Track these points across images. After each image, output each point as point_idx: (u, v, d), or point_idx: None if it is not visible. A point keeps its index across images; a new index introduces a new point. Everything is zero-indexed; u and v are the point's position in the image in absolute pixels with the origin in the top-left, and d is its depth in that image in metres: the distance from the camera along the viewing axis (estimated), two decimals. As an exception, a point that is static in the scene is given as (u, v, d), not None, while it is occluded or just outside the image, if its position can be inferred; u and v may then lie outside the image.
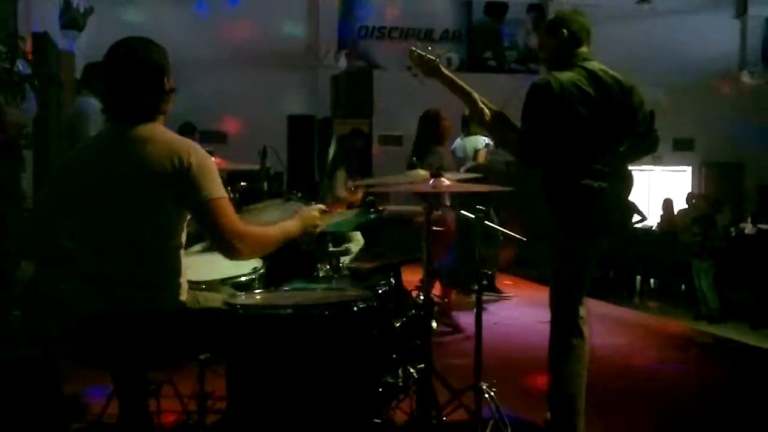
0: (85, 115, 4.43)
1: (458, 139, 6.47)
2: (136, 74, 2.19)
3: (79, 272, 2.22)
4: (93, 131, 4.36)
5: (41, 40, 6.16)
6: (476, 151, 6.23)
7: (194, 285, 2.45)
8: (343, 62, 11.34)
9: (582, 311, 3.05)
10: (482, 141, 6.21)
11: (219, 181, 2.18)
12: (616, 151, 3.01)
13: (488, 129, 3.07)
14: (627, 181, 3.07)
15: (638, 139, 3.09)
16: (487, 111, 3.06)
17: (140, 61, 2.19)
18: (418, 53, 3.00)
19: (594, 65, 2.96)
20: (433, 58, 2.99)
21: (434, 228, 3.33)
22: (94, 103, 4.46)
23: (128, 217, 2.15)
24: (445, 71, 3.03)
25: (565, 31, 2.97)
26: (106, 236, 2.18)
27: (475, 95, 3.06)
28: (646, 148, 3.18)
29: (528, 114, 2.93)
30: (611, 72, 2.99)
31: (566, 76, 2.89)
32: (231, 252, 2.18)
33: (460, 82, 3.06)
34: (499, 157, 6.45)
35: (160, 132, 2.20)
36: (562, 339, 3.04)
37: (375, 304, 2.30)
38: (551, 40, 3.02)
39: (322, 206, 2.57)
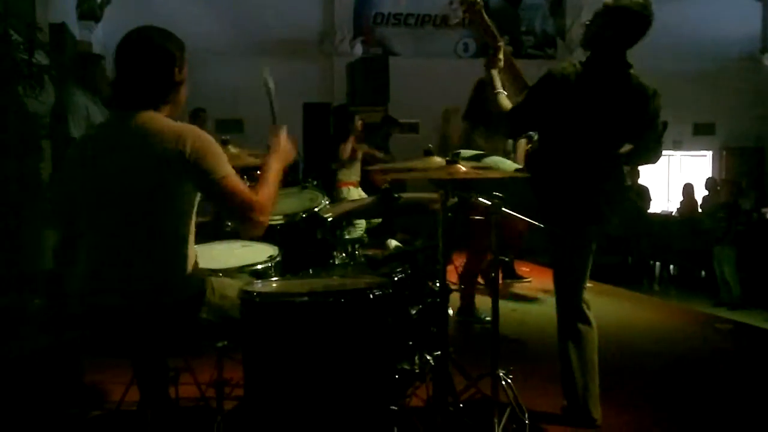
0: (67, 111, 4.45)
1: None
2: (146, 61, 2.18)
3: (91, 265, 2.22)
4: (74, 129, 4.39)
5: (59, 30, 6.19)
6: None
7: (211, 273, 2.46)
8: (358, 49, 11.29)
9: (583, 296, 3.08)
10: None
11: (223, 158, 2.16)
12: (612, 151, 3.01)
13: (490, 76, 3.09)
14: (617, 179, 3.06)
15: (645, 144, 3.08)
16: (501, 63, 3.11)
17: (152, 48, 2.19)
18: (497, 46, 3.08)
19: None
20: (478, 0, 3.08)
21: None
22: (77, 100, 4.49)
23: (135, 207, 2.15)
24: (485, 15, 3.11)
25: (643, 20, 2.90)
26: (115, 228, 2.18)
27: (502, 49, 3.12)
28: (648, 157, 3.17)
29: (533, 94, 2.94)
30: (634, 73, 2.95)
31: (583, 66, 2.87)
32: (252, 225, 2.17)
33: (495, 31, 3.12)
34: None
35: (157, 119, 2.18)
36: (569, 326, 3.06)
37: (391, 291, 2.30)
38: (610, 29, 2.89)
39: (284, 129, 2.57)
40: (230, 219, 2.22)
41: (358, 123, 7.09)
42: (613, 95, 2.90)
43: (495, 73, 3.08)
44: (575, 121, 2.89)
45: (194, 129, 2.18)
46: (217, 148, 2.17)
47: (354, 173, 6.78)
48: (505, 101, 3.03)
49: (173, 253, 2.20)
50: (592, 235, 3.09)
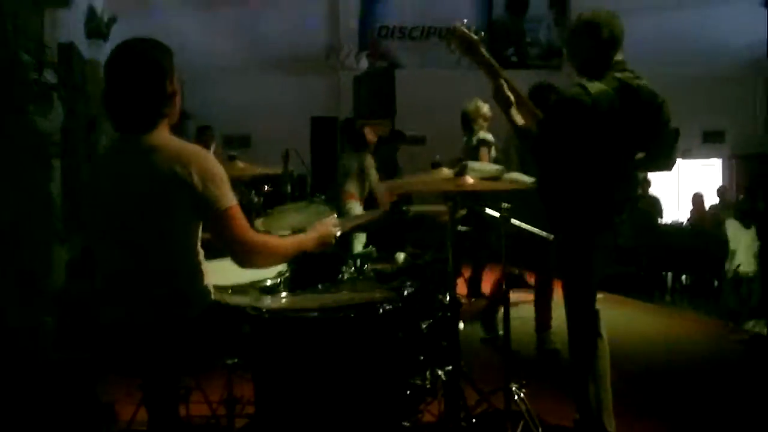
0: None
1: (464, 138, 6.16)
2: (134, 75, 2.12)
3: (102, 284, 2.23)
4: None
5: (67, 49, 6.24)
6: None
7: (221, 289, 2.46)
8: (364, 63, 11.34)
9: (594, 307, 3.04)
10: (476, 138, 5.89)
11: (227, 188, 2.14)
12: (630, 159, 2.99)
13: (508, 115, 3.02)
14: (628, 187, 3.04)
15: (659, 153, 3.06)
16: (512, 99, 2.99)
17: (138, 61, 2.14)
18: (462, 30, 3.00)
19: (627, 75, 2.89)
20: (476, 38, 2.99)
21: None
22: None
23: (144, 228, 2.14)
24: (484, 51, 3.01)
25: (605, 31, 2.87)
26: (124, 248, 2.18)
27: (506, 80, 3.02)
28: (662, 165, 3.15)
29: (550, 123, 2.89)
30: (644, 83, 2.92)
31: (597, 87, 2.81)
32: (244, 261, 2.20)
33: (497, 65, 3.03)
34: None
35: (165, 140, 2.16)
36: (580, 337, 3.02)
37: (400, 305, 2.28)
38: (588, 42, 2.90)
39: (335, 218, 2.57)
40: (224, 248, 2.21)
41: (370, 135, 6.95)
42: (627, 106, 2.87)
43: (513, 113, 2.97)
44: (591, 134, 2.87)
45: (200, 154, 2.15)
46: (221, 173, 2.13)
47: (361, 186, 6.73)
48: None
49: (182, 270, 2.20)
50: (602, 244, 3.06)
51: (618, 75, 2.86)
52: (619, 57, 2.92)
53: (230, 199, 2.13)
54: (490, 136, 5.85)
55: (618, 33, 2.90)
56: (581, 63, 2.97)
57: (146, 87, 2.13)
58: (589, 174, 2.93)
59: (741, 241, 8.07)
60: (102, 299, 2.22)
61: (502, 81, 2.99)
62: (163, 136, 2.17)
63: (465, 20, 3.05)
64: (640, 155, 3.03)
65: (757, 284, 7.71)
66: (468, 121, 5.94)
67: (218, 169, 2.14)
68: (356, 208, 6.42)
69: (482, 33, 3.05)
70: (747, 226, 7.95)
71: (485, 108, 5.88)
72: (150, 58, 2.15)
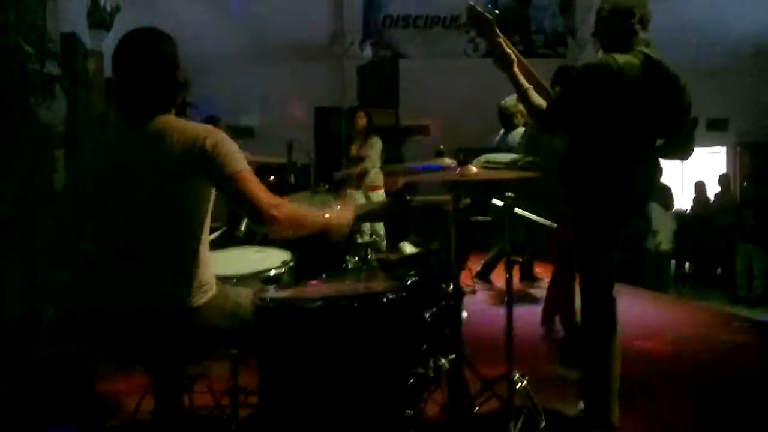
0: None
1: (500, 134, 6.14)
2: (150, 67, 2.16)
3: (106, 272, 2.22)
4: None
5: (70, 40, 6.22)
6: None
7: (225, 279, 2.46)
8: (368, 52, 11.30)
9: (611, 294, 3.01)
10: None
11: (241, 156, 2.16)
12: (652, 144, 2.96)
13: (511, 74, 2.97)
14: (656, 167, 3.02)
15: (677, 141, 3.04)
16: (513, 57, 2.94)
17: (154, 53, 2.17)
18: (477, 11, 2.95)
19: (655, 53, 2.89)
20: (490, 17, 2.94)
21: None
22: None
23: (153, 213, 2.15)
24: (498, 32, 2.95)
25: (637, 14, 2.90)
26: (132, 234, 2.18)
27: (519, 58, 2.98)
28: (680, 153, 3.12)
29: (574, 88, 2.85)
30: (669, 65, 2.91)
31: (623, 58, 2.83)
32: (268, 220, 2.11)
33: (510, 47, 2.97)
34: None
35: (174, 122, 2.18)
36: (597, 324, 3.01)
37: (404, 295, 2.28)
38: (620, 23, 2.92)
39: (353, 206, 2.56)
40: (246, 212, 2.19)
41: (360, 121, 6.86)
42: (651, 79, 2.86)
43: (516, 71, 2.94)
44: (616, 102, 2.84)
45: (212, 127, 2.19)
46: (234, 145, 2.17)
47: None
48: (537, 97, 2.92)
49: (188, 260, 2.19)
50: (622, 231, 3.04)
51: (644, 50, 2.88)
52: (644, 36, 2.93)
53: (244, 165, 2.14)
54: None
55: (648, 16, 2.94)
56: (609, 42, 2.97)
57: (162, 78, 2.17)
58: (614, 152, 2.90)
59: (662, 222, 8.34)
60: (104, 286, 2.21)
61: (500, 40, 2.95)
62: (171, 118, 2.20)
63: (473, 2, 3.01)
64: (660, 142, 3.01)
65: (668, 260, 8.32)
66: (507, 117, 5.87)
67: (230, 141, 2.17)
68: (358, 197, 6.44)
69: (496, 12, 3.03)
70: (666, 209, 8.34)
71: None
72: (161, 50, 2.19)
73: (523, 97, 2.93)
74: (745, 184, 9.79)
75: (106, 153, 2.25)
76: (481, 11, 2.94)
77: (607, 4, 2.99)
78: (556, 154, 3.13)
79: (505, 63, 2.93)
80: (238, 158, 2.14)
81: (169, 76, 2.19)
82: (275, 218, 2.11)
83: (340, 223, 2.40)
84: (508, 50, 2.94)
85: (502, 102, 5.84)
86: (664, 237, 8.52)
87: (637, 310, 5.59)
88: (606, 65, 2.81)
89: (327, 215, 2.38)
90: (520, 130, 5.74)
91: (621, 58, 2.83)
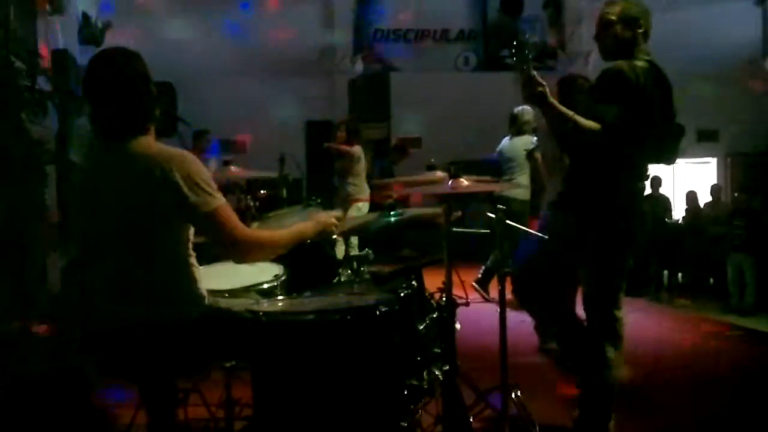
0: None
1: (505, 139, 6.31)
2: (124, 88, 2.14)
3: (96, 289, 2.23)
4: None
5: (61, 56, 6.24)
6: (528, 152, 6.04)
7: (216, 293, 2.46)
8: (359, 66, 11.34)
9: (619, 313, 3.02)
10: (532, 141, 6.04)
11: (213, 188, 2.14)
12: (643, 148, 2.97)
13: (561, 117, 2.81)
14: (644, 172, 3.05)
15: (665, 142, 3.04)
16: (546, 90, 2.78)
17: (126, 73, 2.15)
18: (530, 75, 2.75)
19: (653, 59, 2.93)
20: (543, 86, 2.75)
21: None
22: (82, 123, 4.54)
23: (131, 233, 2.15)
24: (551, 98, 2.77)
25: (642, 23, 2.95)
26: (114, 253, 2.18)
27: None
28: (664, 157, 3.14)
29: (612, 98, 2.79)
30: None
31: (634, 63, 2.85)
32: (240, 258, 2.20)
33: (561, 108, 2.82)
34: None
35: (146, 146, 2.15)
36: (598, 340, 3.01)
37: (397, 307, 2.29)
38: (627, 32, 2.95)
39: (339, 213, 2.58)
40: (217, 246, 2.22)
41: (340, 135, 6.85)
42: (656, 83, 2.88)
43: (552, 101, 2.78)
44: (637, 108, 2.81)
45: (182, 157, 2.14)
46: (204, 175, 2.13)
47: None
48: (586, 120, 2.79)
49: (173, 275, 2.20)
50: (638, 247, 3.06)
51: (646, 57, 2.92)
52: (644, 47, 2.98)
53: (217, 200, 2.13)
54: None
55: (650, 29, 3.00)
56: (613, 50, 2.97)
57: (137, 97, 2.15)
58: (631, 164, 2.91)
59: None
60: (93, 304, 2.22)
61: (534, 73, 2.79)
62: (145, 141, 2.17)
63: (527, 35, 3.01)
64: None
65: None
66: (520, 124, 6.10)
67: (201, 170, 2.14)
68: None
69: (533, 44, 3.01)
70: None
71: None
72: (135, 68, 2.16)
73: (574, 124, 2.78)
74: (736, 194, 9.84)
75: (88, 175, 2.28)
76: (535, 74, 2.76)
77: (612, 10, 2.98)
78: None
79: (539, 97, 2.78)
80: (209, 193, 2.11)
81: (140, 92, 2.16)
82: (251, 257, 2.20)
83: (321, 228, 2.41)
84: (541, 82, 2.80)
85: (518, 110, 6.07)
86: None
87: (630, 319, 5.60)
88: (627, 70, 2.80)
89: (307, 224, 2.40)
90: (525, 138, 6.06)
91: (633, 63, 2.84)
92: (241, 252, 2.18)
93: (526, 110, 6.07)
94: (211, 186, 2.14)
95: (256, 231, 2.33)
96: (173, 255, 2.19)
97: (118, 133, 2.16)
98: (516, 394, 2.88)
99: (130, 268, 2.16)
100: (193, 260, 2.25)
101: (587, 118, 2.80)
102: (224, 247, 2.18)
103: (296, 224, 2.41)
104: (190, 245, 2.24)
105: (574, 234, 2.94)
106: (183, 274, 2.21)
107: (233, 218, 2.17)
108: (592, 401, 3.01)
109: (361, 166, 6.74)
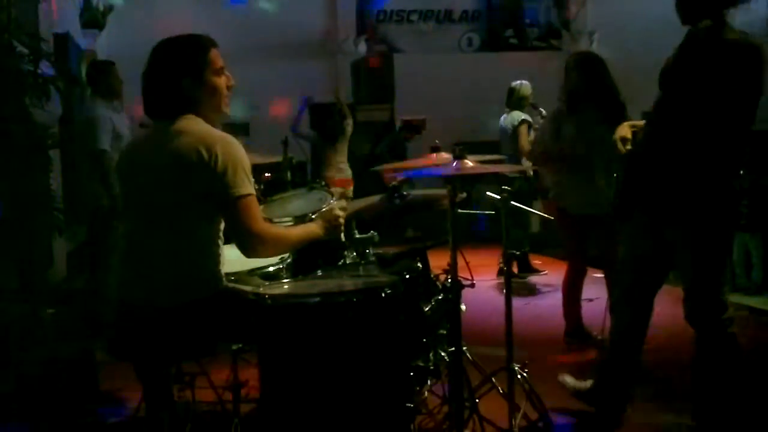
0: (94, 127, 4.49)
1: (503, 115, 6.22)
2: (158, 69, 2.26)
3: (124, 265, 2.30)
4: (105, 142, 4.44)
5: (63, 40, 6.21)
6: (515, 128, 5.96)
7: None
8: (362, 48, 11.27)
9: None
10: (518, 117, 5.97)
11: (248, 176, 2.18)
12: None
13: None
14: None
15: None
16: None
17: (163, 63, 2.26)
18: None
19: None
20: None
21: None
22: (102, 113, 4.52)
23: (163, 207, 2.20)
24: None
25: None
26: (144, 230, 2.25)
27: None
28: None
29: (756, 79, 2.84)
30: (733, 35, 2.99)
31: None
32: (249, 251, 2.21)
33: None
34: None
35: (193, 124, 2.22)
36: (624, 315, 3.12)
37: (402, 289, 2.29)
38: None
39: (343, 203, 2.58)
40: (233, 235, 2.24)
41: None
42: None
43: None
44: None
45: (227, 140, 2.19)
46: (244, 163, 2.18)
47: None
48: None
49: (200, 250, 2.23)
50: None
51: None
52: None
53: (247, 188, 2.16)
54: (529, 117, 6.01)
55: None
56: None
57: (171, 84, 2.24)
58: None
59: None
60: (121, 278, 2.28)
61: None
62: (193, 120, 2.23)
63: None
64: None
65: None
66: (516, 99, 6.10)
67: (243, 157, 2.18)
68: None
69: None
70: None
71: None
72: (169, 59, 2.26)
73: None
74: (741, 172, 9.78)
75: (132, 152, 2.41)
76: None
77: None
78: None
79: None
80: (244, 179, 2.16)
81: (178, 80, 2.23)
82: (257, 251, 2.21)
83: (330, 226, 2.42)
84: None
85: (516, 84, 6.07)
86: None
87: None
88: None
89: (316, 223, 2.42)
90: (515, 114, 6.02)
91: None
92: (254, 244, 2.19)
93: (524, 84, 6.05)
94: (248, 175, 2.18)
95: (273, 227, 2.36)
96: (203, 233, 2.22)
97: (162, 111, 2.25)
98: (523, 375, 2.88)
99: (157, 242, 2.21)
100: (221, 242, 2.28)
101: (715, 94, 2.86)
102: (240, 236, 2.19)
103: (305, 225, 2.47)
104: (222, 226, 2.27)
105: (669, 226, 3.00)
106: (209, 254, 2.24)
107: (256, 211, 2.20)
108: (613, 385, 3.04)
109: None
